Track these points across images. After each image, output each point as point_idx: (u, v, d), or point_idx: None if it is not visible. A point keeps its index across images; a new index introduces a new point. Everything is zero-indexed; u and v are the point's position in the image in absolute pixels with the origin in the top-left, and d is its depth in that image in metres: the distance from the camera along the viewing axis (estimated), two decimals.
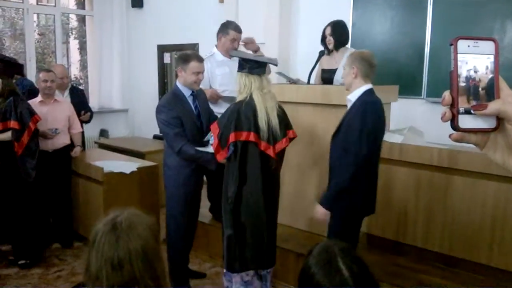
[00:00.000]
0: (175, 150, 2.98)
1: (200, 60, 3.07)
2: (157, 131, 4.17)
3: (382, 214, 3.41)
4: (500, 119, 0.64)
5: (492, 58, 0.65)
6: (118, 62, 6.93)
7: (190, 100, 3.11)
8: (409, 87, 4.33)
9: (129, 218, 1.37)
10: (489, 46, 0.65)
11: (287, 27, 5.30)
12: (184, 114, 3.03)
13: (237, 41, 3.77)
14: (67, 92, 4.56)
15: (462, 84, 0.65)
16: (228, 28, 3.78)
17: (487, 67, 0.65)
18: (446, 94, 0.65)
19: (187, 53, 3.12)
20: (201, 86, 3.65)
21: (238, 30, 3.80)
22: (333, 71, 3.78)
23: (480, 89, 0.64)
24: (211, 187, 3.90)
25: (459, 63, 0.65)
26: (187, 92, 3.09)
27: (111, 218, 1.38)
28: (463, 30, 4.10)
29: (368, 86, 2.54)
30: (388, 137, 3.49)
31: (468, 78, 0.65)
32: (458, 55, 0.65)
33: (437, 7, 4.23)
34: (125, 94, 7.03)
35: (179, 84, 3.10)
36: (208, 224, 3.88)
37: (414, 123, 4.12)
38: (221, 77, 3.70)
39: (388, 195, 3.36)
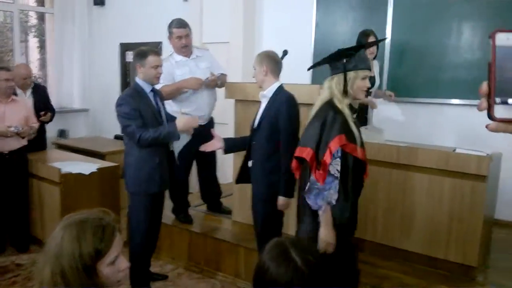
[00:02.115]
0: (135, 139, 2.91)
1: (157, 53, 3.08)
2: (118, 131, 4.07)
3: None
4: None
5: None
6: (78, 61, 6.75)
7: (151, 96, 3.08)
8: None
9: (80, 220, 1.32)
10: None
11: (252, 26, 5.30)
12: (145, 109, 2.99)
13: (184, 37, 3.62)
14: (29, 92, 4.45)
15: (499, 75, 0.65)
16: (171, 27, 3.65)
17: None
18: (484, 84, 0.66)
19: (143, 49, 3.09)
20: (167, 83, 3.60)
21: (180, 25, 3.64)
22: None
23: None
24: (173, 187, 3.84)
25: (497, 55, 0.65)
26: (147, 88, 3.06)
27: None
28: (421, 30, 4.21)
29: (279, 82, 2.75)
30: None
31: (506, 70, 0.65)
32: (497, 47, 0.65)
33: (397, 8, 4.32)
34: (86, 94, 6.85)
35: (139, 80, 3.06)
36: (171, 225, 3.82)
37: (375, 121, 4.20)
38: (181, 77, 3.63)
39: None
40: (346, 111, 2.17)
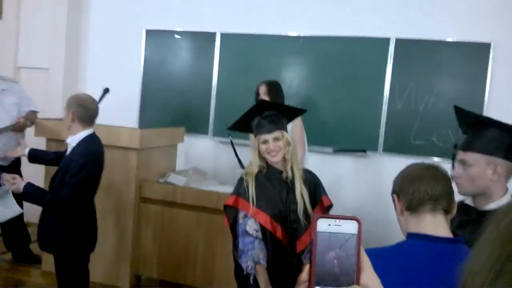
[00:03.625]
0: None
1: None
2: None
3: (164, 256, 3.39)
4: None
5: (354, 237, 0.63)
6: None
7: None
8: (197, 125, 4.49)
9: None
10: (351, 225, 0.63)
11: (75, 52, 4.94)
12: None
13: None
14: None
15: (320, 263, 0.61)
16: None
17: (348, 247, 0.62)
18: (304, 272, 0.63)
19: None
20: None
21: None
22: None
23: (339, 268, 0.62)
24: None
25: (318, 242, 0.62)
26: None
27: None
28: (245, 75, 4.44)
29: (88, 131, 2.53)
30: (172, 179, 3.51)
31: (327, 257, 0.62)
32: (318, 233, 0.62)
33: (223, 54, 4.51)
34: None
35: None
36: None
37: (201, 160, 4.28)
38: None
39: (170, 237, 3.36)
40: (249, 178, 2.15)
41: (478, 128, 1.59)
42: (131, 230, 3.37)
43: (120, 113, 4.36)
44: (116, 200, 3.36)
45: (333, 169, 4.10)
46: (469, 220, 1.58)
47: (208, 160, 4.35)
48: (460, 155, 1.60)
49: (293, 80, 4.38)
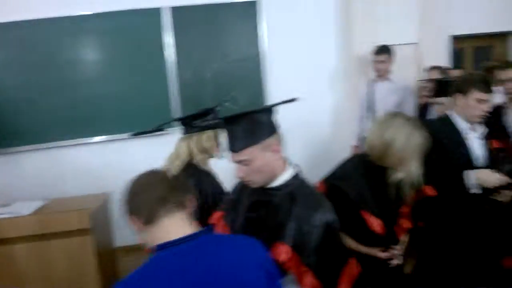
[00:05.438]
0: None
1: None
2: None
3: None
4: None
5: None
6: None
7: None
8: None
9: None
10: None
11: None
12: None
13: None
14: None
15: None
16: None
17: None
18: None
19: None
20: None
21: None
22: None
23: None
24: None
25: None
26: None
27: None
28: (24, 68, 3.90)
29: None
30: None
31: None
32: None
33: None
34: None
35: None
36: None
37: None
38: None
39: None
40: None
41: (233, 125, 1.51)
42: None
43: None
44: None
45: (134, 154, 3.96)
46: (260, 200, 1.55)
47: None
48: (234, 156, 1.51)
49: (77, 65, 3.96)
